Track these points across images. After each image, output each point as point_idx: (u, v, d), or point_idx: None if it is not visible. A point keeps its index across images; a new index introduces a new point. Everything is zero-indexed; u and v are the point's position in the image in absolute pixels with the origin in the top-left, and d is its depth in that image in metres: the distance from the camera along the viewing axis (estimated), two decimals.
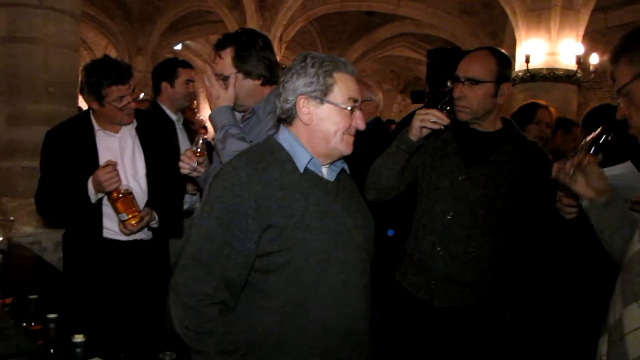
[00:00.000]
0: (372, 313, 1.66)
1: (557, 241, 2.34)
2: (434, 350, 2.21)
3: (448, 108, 2.05)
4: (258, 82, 2.23)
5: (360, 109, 1.59)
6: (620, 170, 1.70)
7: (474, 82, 2.10)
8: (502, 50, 2.22)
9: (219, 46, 2.23)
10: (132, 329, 1.92)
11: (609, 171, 1.68)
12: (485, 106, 2.14)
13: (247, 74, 2.21)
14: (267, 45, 2.27)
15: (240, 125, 2.36)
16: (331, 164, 1.63)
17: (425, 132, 2.03)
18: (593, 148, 1.53)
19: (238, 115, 2.40)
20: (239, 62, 2.19)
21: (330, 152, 1.58)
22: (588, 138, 1.56)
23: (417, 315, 2.21)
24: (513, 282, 2.19)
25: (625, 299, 1.22)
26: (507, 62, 2.18)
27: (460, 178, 2.14)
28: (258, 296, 1.52)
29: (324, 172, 1.62)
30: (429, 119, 1.99)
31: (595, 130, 1.58)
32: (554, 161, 2.15)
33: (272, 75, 2.26)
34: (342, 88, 1.55)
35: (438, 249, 2.16)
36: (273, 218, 1.47)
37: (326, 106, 1.54)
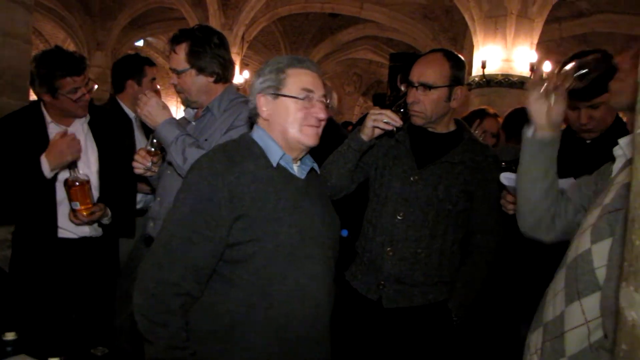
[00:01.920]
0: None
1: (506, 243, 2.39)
2: (382, 351, 2.22)
3: (402, 110, 2.06)
4: (211, 79, 2.24)
5: (321, 102, 1.64)
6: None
7: (428, 87, 2.10)
8: (456, 53, 2.23)
9: (174, 41, 2.23)
10: (68, 326, 1.87)
11: None
12: (438, 111, 2.16)
13: (200, 70, 2.21)
14: (223, 43, 2.27)
15: (193, 123, 2.35)
16: (301, 161, 1.69)
17: (377, 132, 2.04)
18: (578, 73, 1.49)
19: (192, 112, 2.39)
20: (193, 58, 2.19)
21: (291, 145, 1.63)
22: (570, 66, 1.51)
23: (365, 316, 2.21)
24: (463, 283, 2.22)
25: (569, 296, 1.24)
26: (460, 65, 2.18)
27: (412, 179, 2.15)
28: (225, 286, 1.55)
29: (295, 169, 1.67)
30: (382, 119, 2.00)
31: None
32: None
33: (225, 73, 2.27)
34: (295, 81, 1.61)
35: (387, 249, 2.16)
36: (245, 209, 1.51)
37: (280, 99, 1.60)
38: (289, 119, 1.60)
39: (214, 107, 2.26)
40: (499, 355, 2.87)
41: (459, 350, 2.28)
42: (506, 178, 1.92)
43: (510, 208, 2.02)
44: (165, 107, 2.21)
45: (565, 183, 1.74)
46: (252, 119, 1.71)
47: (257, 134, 1.66)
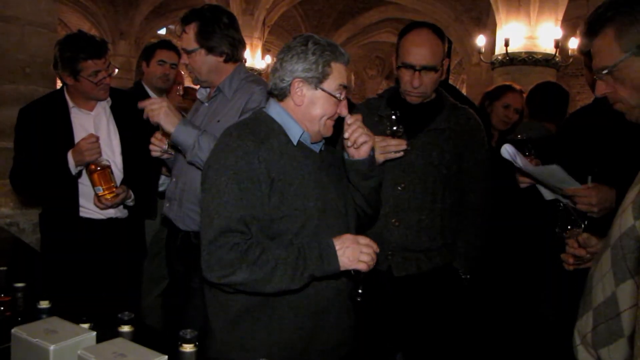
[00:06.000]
0: None
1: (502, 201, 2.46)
2: (398, 319, 2.28)
3: (396, 129, 2.06)
4: (221, 59, 2.28)
5: (346, 97, 1.69)
6: (551, 167, 1.85)
7: (432, 70, 2.15)
8: (437, 25, 2.26)
9: (184, 21, 2.27)
10: (98, 299, 1.94)
11: (541, 167, 1.91)
12: (435, 87, 2.25)
13: (210, 50, 2.25)
14: (233, 23, 2.31)
15: (206, 104, 2.39)
16: None
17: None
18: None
19: (204, 92, 2.43)
20: (202, 38, 2.23)
21: (313, 134, 1.69)
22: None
23: (378, 286, 2.21)
24: (465, 241, 2.30)
25: (618, 275, 1.20)
26: (445, 38, 2.24)
27: None
28: None
29: (311, 145, 1.73)
30: (391, 151, 2.06)
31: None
32: None
33: (235, 53, 2.31)
34: (336, 77, 1.65)
35: (392, 220, 2.22)
36: (278, 184, 1.56)
37: (319, 92, 1.64)
38: (319, 111, 1.65)
39: (224, 87, 2.30)
40: (511, 315, 2.90)
41: (472, 309, 2.37)
42: (507, 151, 1.98)
43: (522, 181, 2.11)
44: (173, 110, 2.19)
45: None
46: (273, 95, 1.70)
47: (275, 111, 1.68)
